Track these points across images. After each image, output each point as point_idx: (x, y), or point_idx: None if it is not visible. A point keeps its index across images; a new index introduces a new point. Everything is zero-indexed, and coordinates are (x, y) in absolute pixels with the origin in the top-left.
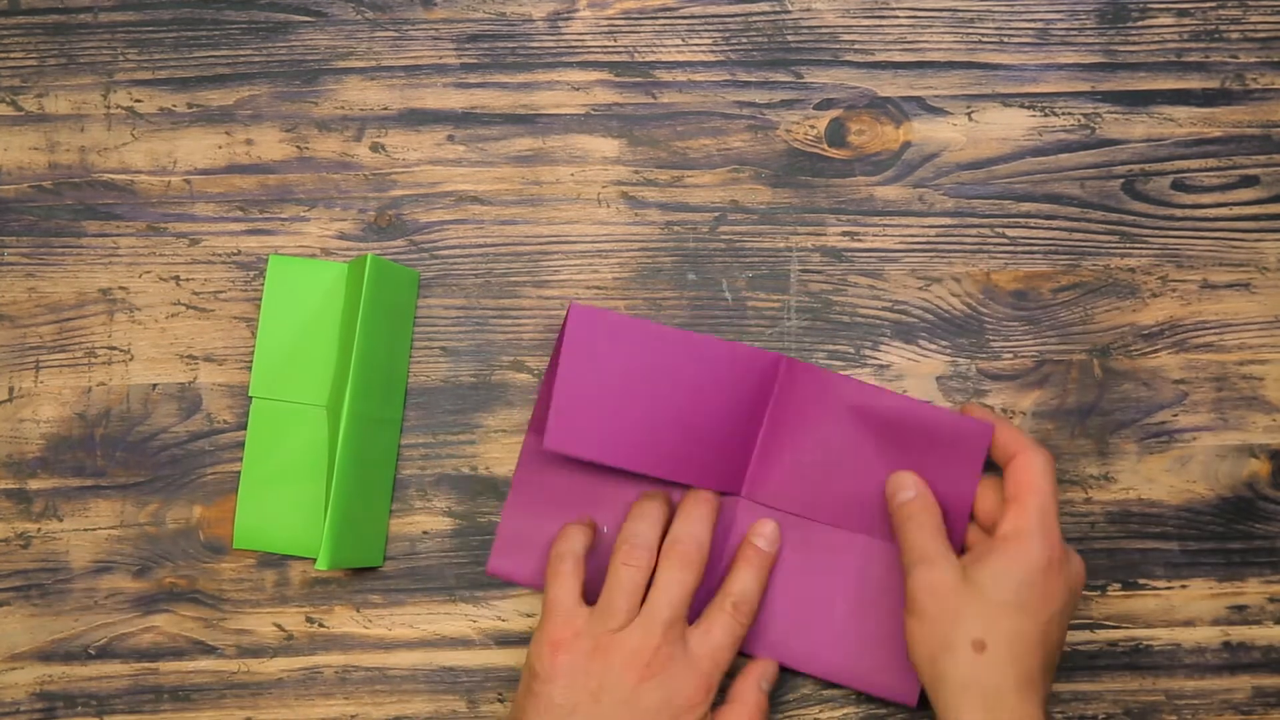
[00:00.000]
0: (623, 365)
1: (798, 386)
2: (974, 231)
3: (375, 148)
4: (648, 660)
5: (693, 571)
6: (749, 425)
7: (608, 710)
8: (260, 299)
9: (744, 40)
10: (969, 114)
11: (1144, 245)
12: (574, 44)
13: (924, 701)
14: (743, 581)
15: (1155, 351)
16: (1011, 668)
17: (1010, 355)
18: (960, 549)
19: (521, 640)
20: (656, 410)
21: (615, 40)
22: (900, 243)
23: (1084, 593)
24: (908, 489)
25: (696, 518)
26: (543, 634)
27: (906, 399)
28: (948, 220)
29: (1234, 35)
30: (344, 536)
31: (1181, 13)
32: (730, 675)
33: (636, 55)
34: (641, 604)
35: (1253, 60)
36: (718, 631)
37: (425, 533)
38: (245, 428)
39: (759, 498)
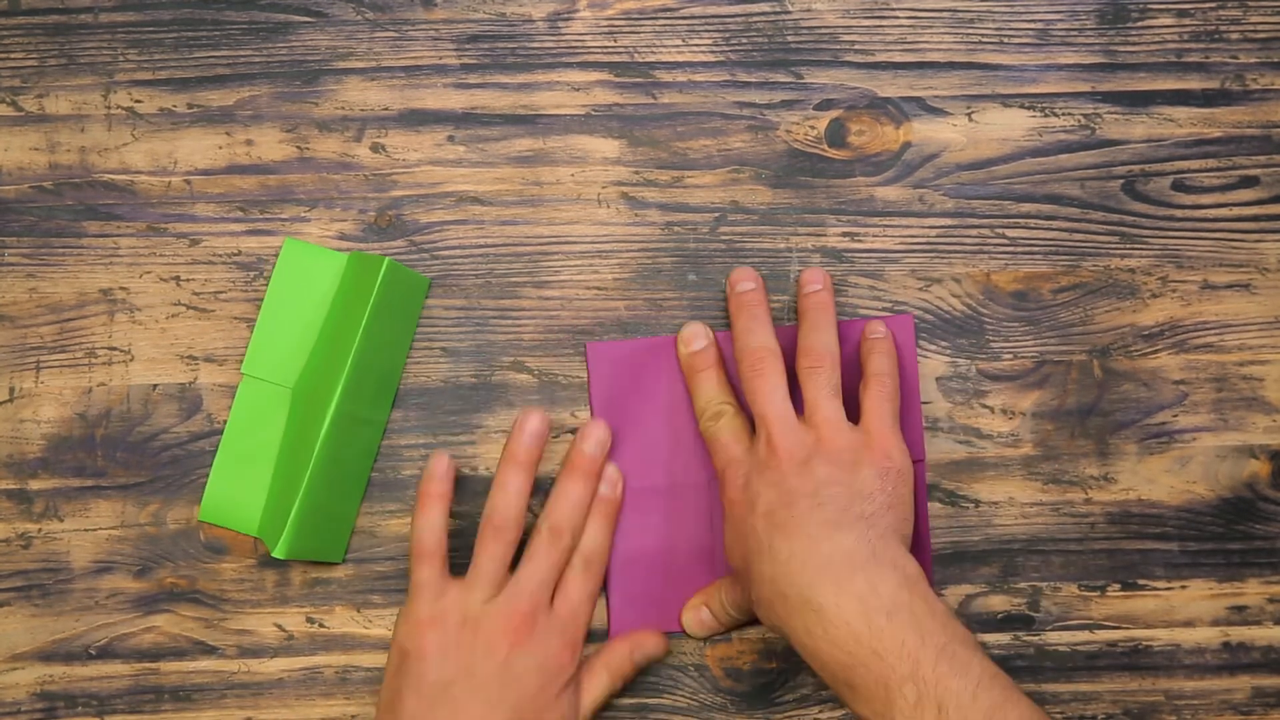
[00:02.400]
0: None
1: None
2: (974, 232)
3: (375, 148)
4: (516, 626)
5: (565, 549)
6: None
7: (482, 682)
8: (261, 299)
9: (744, 40)
10: (969, 114)
11: (1144, 246)
12: (574, 44)
13: None
14: (591, 536)
15: (1155, 352)
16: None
17: (1010, 356)
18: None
19: None
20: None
21: (615, 40)
22: (900, 243)
23: (1084, 593)
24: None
25: (571, 497)
26: (410, 612)
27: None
28: (948, 221)
29: (1234, 35)
30: (307, 529)
31: (1181, 13)
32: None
33: (636, 55)
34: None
35: (1253, 60)
36: (573, 591)
37: None
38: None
39: None
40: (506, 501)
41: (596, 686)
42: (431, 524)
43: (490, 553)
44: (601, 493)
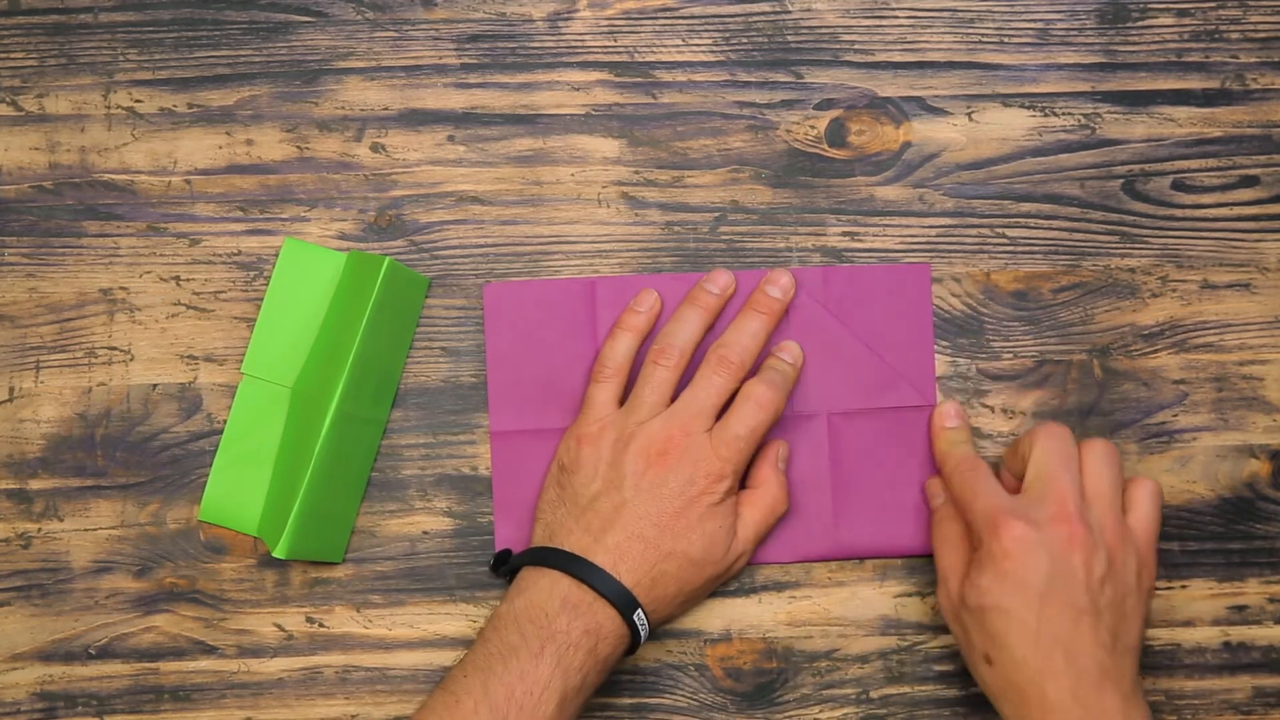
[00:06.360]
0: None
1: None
2: (974, 231)
3: (375, 148)
4: (663, 449)
5: (730, 377)
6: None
7: (630, 495)
8: (260, 299)
9: (744, 40)
10: (969, 114)
11: (1144, 245)
12: (574, 44)
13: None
14: (766, 378)
15: (1155, 351)
16: (1016, 674)
17: (1010, 355)
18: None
19: None
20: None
21: (615, 40)
22: (900, 243)
23: None
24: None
25: (748, 330)
26: (573, 429)
27: (839, 269)
28: (948, 220)
29: (1234, 35)
30: (308, 529)
31: (1181, 13)
32: None
33: (636, 55)
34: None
35: (1253, 60)
36: (735, 420)
37: (425, 533)
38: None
39: (802, 409)
40: (680, 333)
41: (754, 507)
42: (618, 349)
43: (653, 379)
44: (783, 359)
